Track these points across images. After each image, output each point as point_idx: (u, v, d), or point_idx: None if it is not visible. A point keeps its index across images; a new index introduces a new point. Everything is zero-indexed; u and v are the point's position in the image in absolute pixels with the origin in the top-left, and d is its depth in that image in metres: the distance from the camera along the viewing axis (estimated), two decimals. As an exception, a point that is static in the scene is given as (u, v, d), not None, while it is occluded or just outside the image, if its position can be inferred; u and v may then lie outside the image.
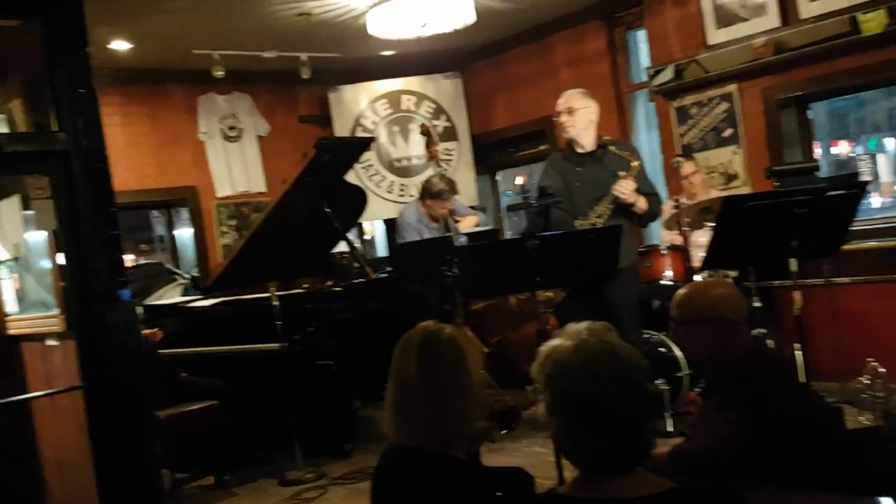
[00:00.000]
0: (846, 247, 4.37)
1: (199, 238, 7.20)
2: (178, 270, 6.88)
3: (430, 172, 6.26)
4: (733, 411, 2.19)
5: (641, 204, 4.42)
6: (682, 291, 2.45)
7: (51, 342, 3.67)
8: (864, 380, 4.46)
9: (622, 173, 4.34)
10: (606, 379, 1.51)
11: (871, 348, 4.75)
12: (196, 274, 7.02)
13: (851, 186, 3.82)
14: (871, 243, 5.23)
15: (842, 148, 8.25)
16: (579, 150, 4.56)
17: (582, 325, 1.59)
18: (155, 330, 4.91)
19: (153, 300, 5.90)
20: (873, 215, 6.44)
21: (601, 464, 1.52)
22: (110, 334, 3.29)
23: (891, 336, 5.02)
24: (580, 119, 4.49)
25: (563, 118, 4.52)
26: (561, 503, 1.57)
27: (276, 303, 4.60)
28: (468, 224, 5.67)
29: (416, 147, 7.42)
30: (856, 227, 4.80)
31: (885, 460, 2.24)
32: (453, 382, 1.86)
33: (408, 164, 7.51)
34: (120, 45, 6.03)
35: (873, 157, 8.54)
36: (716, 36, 5.73)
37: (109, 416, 3.27)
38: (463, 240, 4.96)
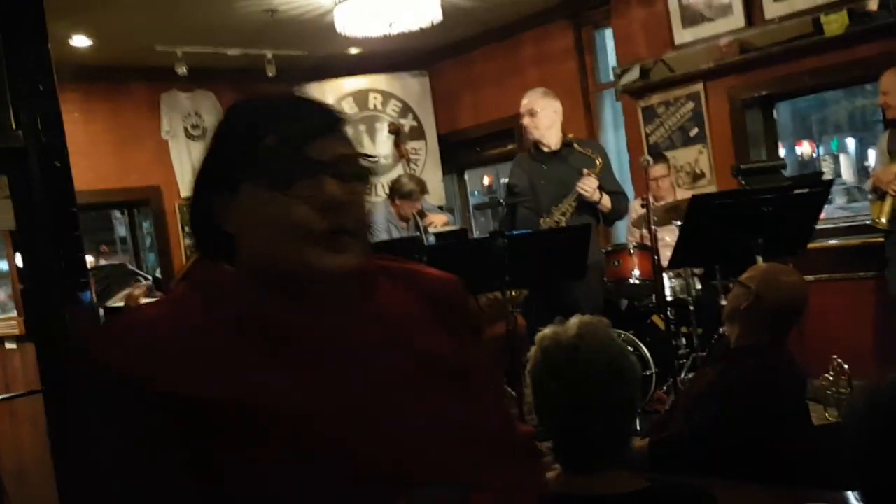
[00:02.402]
0: (810, 245, 4.43)
1: (163, 239, 7.08)
2: (140, 272, 6.77)
3: (398, 172, 6.23)
4: (728, 391, 2.24)
5: (605, 202, 4.47)
6: (770, 264, 2.78)
7: (9, 346, 3.58)
8: (829, 376, 4.51)
9: (586, 171, 4.39)
10: (559, 372, 1.52)
11: (834, 345, 4.80)
12: (158, 275, 6.91)
13: (817, 185, 3.87)
14: (833, 241, 5.30)
15: (805, 148, 8.37)
16: (545, 149, 4.60)
17: (577, 319, 1.58)
18: None
19: (115, 302, 5.79)
20: (834, 214, 6.53)
21: (573, 457, 1.52)
22: (71, 335, 3.21)
23: (853, 333, 5.09)
24: (542, 120, 4.55)
25: (526, 120, 4.57)
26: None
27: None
28: (438, 221, 5.64)
29: (383, 146, 7.37)
30: (819, 225, 4.87)
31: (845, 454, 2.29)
32: None
33: (375, 164, 7.45)
34: (81, 42, 5.91)
35: (836, 157, 8.67)
36: (682, 36, 5.76)
37: (71, 422, 3.19)
38: (432, 240, 4.95)
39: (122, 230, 9.73)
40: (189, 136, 7.10)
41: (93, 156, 6.48)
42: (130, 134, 6.88)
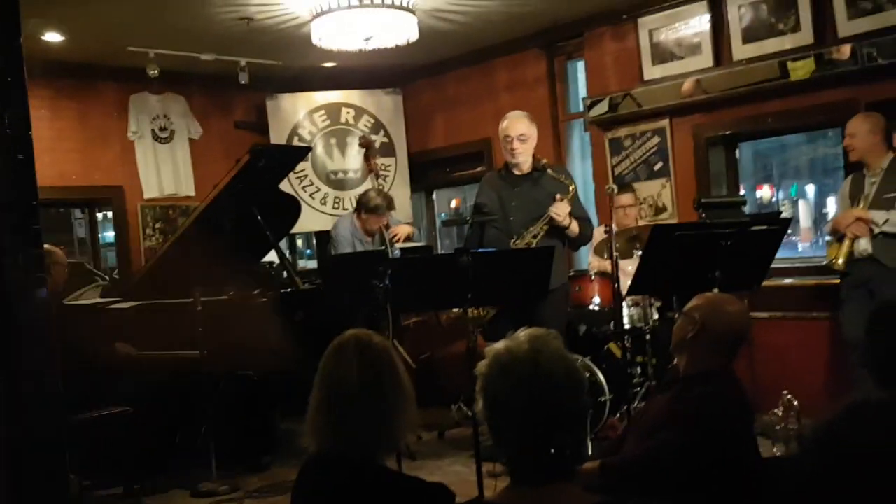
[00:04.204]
0: (765, 283, 4.52)
1: (123, 240, 6.99)
2: (98, 272, 6.67)
3: (366, 186, 6.23)
4: (679, 417, 2.27)
5: (574, 227, 4.55)
6: (712, 294, 2.86)
7: (-42, 337, 3.51)
8: (778, 412, 4.58)
9: (559, 196, 4.45)
10: (520, 386, 1.53)
11: (784, 382, 4.89)
12: (116, 276, 6.81)
13: (775, 223, 3.96)
14: (789, 281, 5.41)
15: (764, 192, 8.52)
16: (516, 172, 4.65)
17: (526, 332, 1.59)
18: None
19: (72, 300, 5.69)
20: (792, 255, 6.66)
21: (526, 470, 1.53)
22: (23, 332, 3.16)
23: (805, 372, 5.19)
24: (530, 146, 4.62)
25: (516, 144, 4.60)
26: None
27: (199, 308, 4.50)
28: (402, 232, 5.65)
29: (353, 160, 7.38)
30: (775, 264, 4.98)
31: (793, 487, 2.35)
32: (393, 387, 1.85)
33: (344, 178, 7.46)
34: (53, 38, 5.84)
35: (795, 202, 8.85)
36: (652, 72, 5.88)
37: (18, 418, 3.13)
38: (397, 253, 4.96)
39: (81, 232, 9.58)
40: (156, 138, 7.03)
41: (57, 152, 6.41)
42: (97, 133, 6.81)
